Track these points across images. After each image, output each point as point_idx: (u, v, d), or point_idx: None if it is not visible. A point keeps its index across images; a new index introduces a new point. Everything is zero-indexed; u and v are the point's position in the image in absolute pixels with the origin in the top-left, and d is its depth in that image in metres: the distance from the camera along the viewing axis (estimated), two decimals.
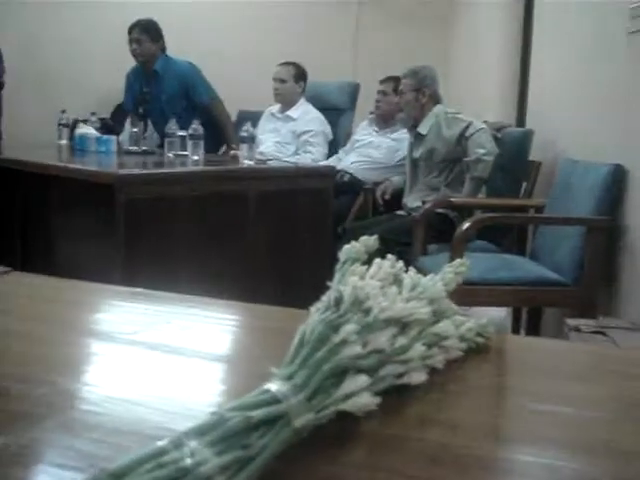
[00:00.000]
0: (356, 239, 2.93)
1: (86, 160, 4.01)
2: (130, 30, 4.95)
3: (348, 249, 0.89)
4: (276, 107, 5.08)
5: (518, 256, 3.55)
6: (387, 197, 4.29)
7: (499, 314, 3.93)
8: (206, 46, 5.55)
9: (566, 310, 3.17)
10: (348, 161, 4.66)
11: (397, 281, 0.85)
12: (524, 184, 3.89)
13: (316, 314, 0.74)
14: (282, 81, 4.95)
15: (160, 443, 0.50)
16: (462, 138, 3.81)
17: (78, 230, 3.62)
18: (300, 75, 5.00)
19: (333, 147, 4.97)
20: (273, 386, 0.60)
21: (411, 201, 4.02)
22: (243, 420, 0.54)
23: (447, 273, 0.91)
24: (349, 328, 0.68)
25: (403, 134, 4.46)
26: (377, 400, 0.67)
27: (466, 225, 2.97)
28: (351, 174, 4.50)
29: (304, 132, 4.86)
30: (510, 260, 3.35)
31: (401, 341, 0.74)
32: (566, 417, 0.74)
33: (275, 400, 0.58)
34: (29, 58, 6.40)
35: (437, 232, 3.57)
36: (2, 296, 1.19)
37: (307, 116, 4.94)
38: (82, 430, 0.65)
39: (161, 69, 4.99)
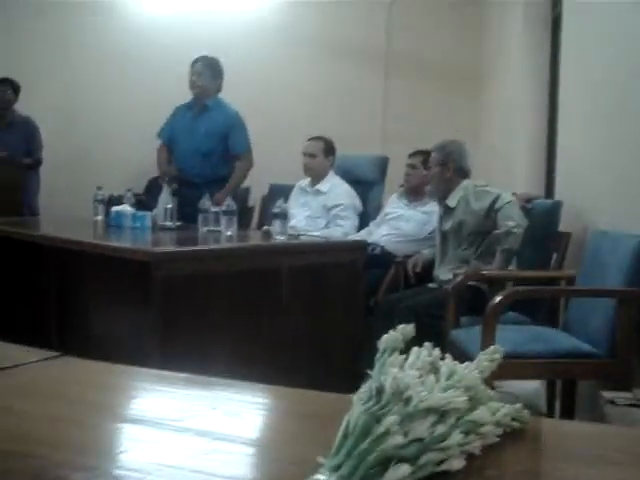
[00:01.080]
0: (388, 313, 3.02)
1: (122, 236, 4.09)
2: (194, 62, 5.17)
3: (387, 338, 0.93)
4: (306, 181, 5.16)
5: (550, 328, 3.55)
6: (418, 270, 4.31)
7: (533, 385, 3.91)
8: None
9: (600, 382, 3.16)
10: (379, 234, 4.71)
11: (434, 369, 0.89)
12: (554, 255, 3.90)
13: (359, 404, 0.78)
14: (312, 156, 5.04)
15: None
16: (491, 211, 3.85)
17: (114, 307, 3.67)
18: (329, 149, 5.08)
19: (363, 220, 5.01)
20: (322, 477, 0.64)
21: (442, 273, 4.04)
22: None
23: (482, 360, 0.95)
24: (391, 419, 0.72)
25: (433, 207, 4.51)
26: None
27: (498, 299, 2.98)
28: (382, 247, 4.53)
29: (334, 206, 4.93)
30: (543, 332, 3.35)
31: (440, 429, 0.78)
32: None
33: None
34: (65, 136, 6.58)
35: (469, 304, 3.58)
36: (53, 381, 1.24)
37: (337, 189, 5.00)
38: None
39: (212, 105, 5.18)
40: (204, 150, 5.10)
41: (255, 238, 3.89)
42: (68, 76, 6.59)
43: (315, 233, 4.57)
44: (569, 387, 3.50)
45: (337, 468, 0.66)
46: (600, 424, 2.13)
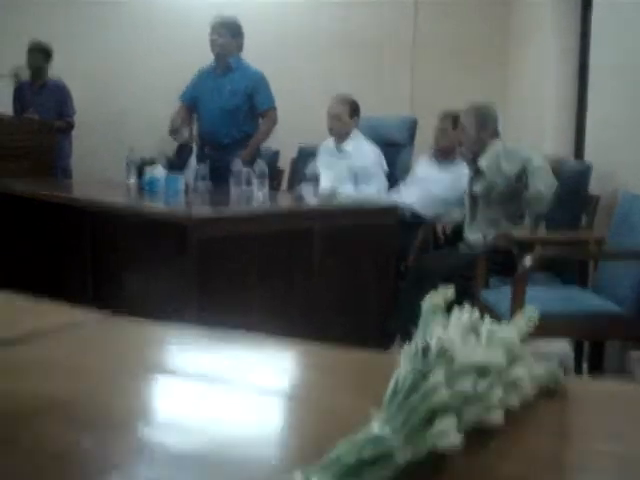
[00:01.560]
0: (418, 275, 3.10)
1: (156, 199, 4.16)
2: (213, 23, 5.24)
3: (429, 300, 0.98)
4: (330, 141, 5.17)
5: (580, 288, 3.59)
6: (448, 232, 4.35)
7: (561, 346, 3.96)
8: (269, 79, 5.69)
9: (629, 342, 3.21)
10: (409, 196, 4.73)
11: (474, 329, 0.95)
12: (583, 217, 3.93)
13: (406, 362, 0.84)
14: (336, 116, 5.05)
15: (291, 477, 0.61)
16: (522, 173, 3.87)
17: (150, 268, 3.76)
18: (354, 110, 5.09)
19: (392, 181, 5.03)
20: (377, 428, 0.70)
21: (472, 235, 4.08)
22: (358, 457, 0.64)
23: (519, 321, 1.00)
24: (437, 376, 0.77)
25: (462, 169, 4.53)
26: (462, 438, 0.77)
27: (528, 261, 3.03)
28: (412, 210, 4.58)
29: (361, 167, 4.94)
30: (572, 293, 3.40)
31: (481, 386, 0.83)
32: (628, 456, 0.82)
33: (380, 440, 0.68)
34: (97, 99, 6.64)
35: (498, 266, 3.62)
36: (105, 339, 1.30)
37: (362, 150, 5.00)
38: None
39: (235, 64, 5.27)
40: (230, 108, 5.18)
41: (287, 200, 3.93)
42: (100, 40, 6.63)
43: (345, 193, 4.62)
44: (597, 347, 3.55)
45: (390, 420, 0.71)
46: (631, 383, 2.18)
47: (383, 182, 4.97)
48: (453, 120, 4.63)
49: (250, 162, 4.45)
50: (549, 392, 0.97)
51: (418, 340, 0.89)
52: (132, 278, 3.97)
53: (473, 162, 4.20)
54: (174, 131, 5.19)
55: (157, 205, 3.98)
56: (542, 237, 3.79)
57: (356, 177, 4.93)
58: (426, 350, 0.85)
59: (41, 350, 1.16)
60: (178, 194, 4.21)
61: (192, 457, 0.80)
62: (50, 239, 4.35)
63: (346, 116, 5.04)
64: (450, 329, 0.89)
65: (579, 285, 3.78)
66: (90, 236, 4.29)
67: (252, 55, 5.62)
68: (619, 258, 3.39)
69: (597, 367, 3.45)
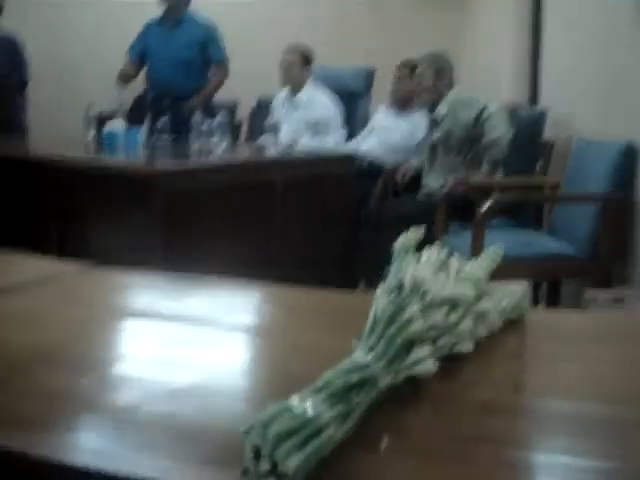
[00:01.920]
0: (378, 221, 3.19)
1: (116, 153, 4.16)
2: None
3: (401, 241, 1.05)
4: (285, 91, 5.15)
5: (536, 232, 3.69)
6: (407, 179, 4.41)
7: (519, 287, 4.07)
8: (225, 31, 5.66)
9: (583, 282, 3.32)
10: (367, 144, 4.78)
11: (444, 267, 1.02)
12: (539, 162, 4.02)
13: (383, 297, 0.90)
14: (288, 65, 5.02)
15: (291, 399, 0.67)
16: (478, 121, 3.94)
17: (115, 224, 3.76)
18: (305, 59, 5.06)
19: (351, 131, 5.06)
20: (361, 356, 0.77)
21: (431, 181, 4.15)
22: (346, 382, 0.71)
23: (485, 259, 1.08)
24: (413, 309, 0.84)
25: (421, 117, 4.58)
26: (437, 365, 0.84)
27: (486, 205, 3.11)
28: (371, 158, 4.63)
29: (318, 118, 4.93)
30: (529, 236, 3.50)
31: (453, 317, 0.91)
32: (588, 373, 0.91)
33: (364, 366, 0.75)
34: (52, 53, 6.56)
35: (456, 211, 3.70)
36: (86, 289, 1.35)
37: (317, 100, 4.98)
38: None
39: (186, 17, 5.31)
40: (185, 59, 5.21)
41: (248, 152, 3.96)
42: None
43: (304, 144, 4.65)
44: (553, 288, 3.67)
45: (371, 349, 0.78)
46: (587, 312, 2.28)
47: (340, 132, 4.98)
48: (411, 69, 4.66)
49: (205, 113, 4.48)
50: (515, 321, 1.06)
51: (392, 276, 0.96)
52: (96, 232, 3.97)
53: (431, 111, 4.26)
54: (124, 77, 5.20)
55: (119, 159, 3.98)
56: (499, 182, 3.87)
57: (314, 127, 4.94)
58: (400, 286, 0.92)
59: (25, 301, 1.22)
60: (138, 148, 4.21)
61: (171, 390, 0.87)
62: (11, 196, 4.32)
63: (298, 65, 5.02)
64: (422, 266, 0.96)
65: (535, 228, 3.88)
66: (52, 192, 4.26)
67: (207, 5, 5.60)
68: (573, 201, 3.49)
69: (554, 306, 3.57)
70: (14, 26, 6.24)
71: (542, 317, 1.19)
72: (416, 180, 4.36)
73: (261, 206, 3.54)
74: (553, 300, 3.64)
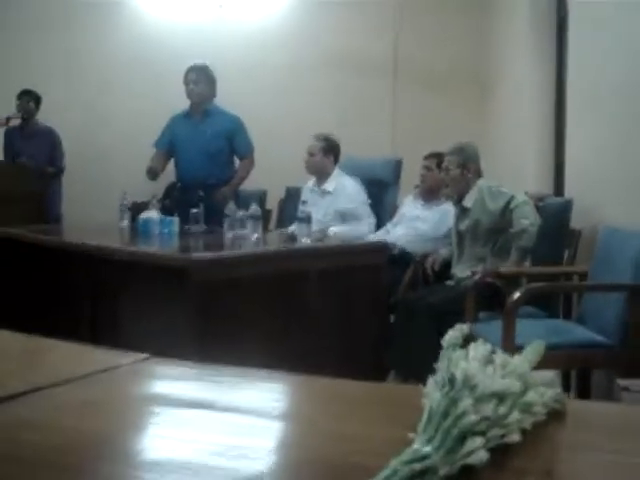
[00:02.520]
0: (408, 310, 3.25)
1: (152, 242, 4.27)
2: (188, 72, 5.43)
3: (449, 337, 1.11)
4: (312, 181, 5.27)
5: (565, 321, 3.73)
6: (436, 269, 4.47)
7: (549, 375, 4.08)
8: (254, 122, 5.83)
9: (614, 370, 3.34)
10: (396, 234, 4.86)
11: (490, 360, 1.08)
12: (566, 251, 4.08)
13: (436, 391, 0.96)
14: (311, 154, 5.16)
15: None
16: (506, 210, 4.02)
17: (149, 312, 3.84)
18: (329, 148, 5.17)
19: (379, 221, 5.15)
20: (421, 447, 0.82)
21: (459, 271, 4.21)
22: (411, 471, 0.76)
23: (528, 352, 1.14)
24: (466, 402, 0.90)
25: (448, 207, 4.67)
26: (488, 455, 0.90)
27: (517, 295, 3.16)
28: (400, 247, 4.70)
29: (347, 209, 5.04)
30: (558, 325, 3.54)
31: (502, 410, 0.97)
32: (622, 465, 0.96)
33: (426, 457, 0.81)
34: (85, 143, 6.76)
35: (485, 300, 3.75)
36: (144, 380, 1.42)
37: (345, 189, 5.08)
38: None
39: (212, 109, 5.48)
40: (212, 151, 5.36)
41: (281, 241, 4.06)
42: (86, 86, 6.78)
43: (336, 233, 4.74)
44: (584, 377, 3.68)
45: (430, 440, 0.84)
46: (620, 404, 2.30)
47: (370, 219, 5.07)
48: (438, 160, 4.78)
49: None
50: (557, 413, 1.11)
51: (443, 371, 1.02)
52: (130, 321, 4.04)
53: (458, 201, 4.34)
54: (153, 174, 5.34)
55: (153, 248, 4.09)
56: (528, 271, 3.93)
57: (343, 217, 5.03)
58: (452, 380, 0.98)
59: (87, 391, 1.28)
60: (173, 237, 4.32)
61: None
62: (47, 284, 4.43)
63: (320, 153, 5.14)
64: (470, 361, 1.02)
65: (563, 317, 3.92)
66: (87, 280, 4.36)
67: (237, 97, 5.78)
68: (602, 291, 3.53)
69: (585, 395, 3.58)
70: (51, 118, 6.47)
71: (583, 408, 1.23)
72: (445, 270, 4.42)
73: (295, 295, 3.61)
74: (583, 389, 3.65)
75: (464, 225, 4.28)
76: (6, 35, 6.86)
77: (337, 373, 3.54)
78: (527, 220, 3.92)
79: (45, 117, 6.50)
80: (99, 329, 4.27)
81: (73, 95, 6.73)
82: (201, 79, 5.38)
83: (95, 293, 4.34)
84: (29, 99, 6.36)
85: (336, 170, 5.20)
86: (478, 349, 1.08)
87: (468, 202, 4.27)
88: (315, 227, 4.88)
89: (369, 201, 5.12)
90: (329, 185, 5.15)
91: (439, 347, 3.53)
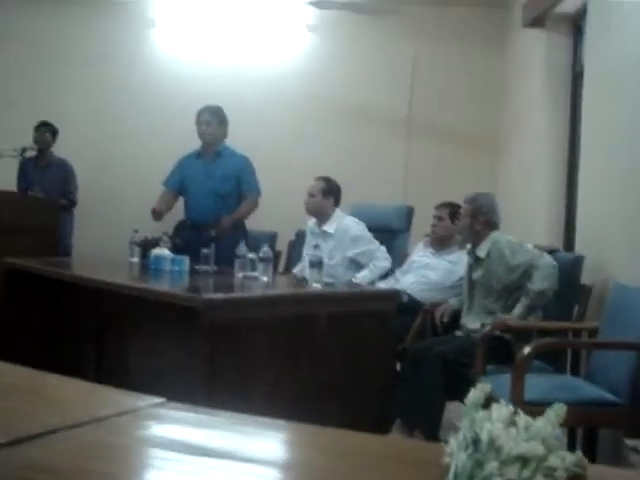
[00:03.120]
0: (416, 359, 3.24)
1: (162, 280, 4.28)
2: (200, 113, 5.47)
3: (472, 397, 1.11)
4: (312, 222, 5.32)
5: (573, 377, 3.71)
6: (445, 320, 4.44)
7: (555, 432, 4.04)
8: (267, 165, 5.86)
9: (622, 430, 3.31)
10: (406, 282, 4.87)
11: (512, 422, 1.07)
12: (576, 306, 4.07)
13: (460, 451, 0.96)
14: (311, 195, 5.21)
15: None
16: (530, 267, 3.99)
17: (155, 349, 3.84)
18: (329, 190, 5.21)
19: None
20: None
21: (469, 322, 4.19)
22: None
23: (550, 415, 1.13)
24: (492, 465, 0.90)
25: (458, 256, 4.69)
26: None
27: (527, 350, 3.15)
28: (409, 295, 4.71)
29: (359, 254, 5.06)
30: (567, 381, 3.52)
31: (525, 473, 0.96)
32: None
33: None
34: (97, 178, 6.82)
35: (494, 353, 3.74)
36: (161, 425, 1.41)
37: (348, 233, 5.10)
38: None
39: (223, 150, 5.52)
40: (222, 192, 5.40)
41: (291, 285, 4.06)
42: (101, 122, 6.86)
43: (359, 279, 4.79)
44: (590, 435, 3.65)
45: None
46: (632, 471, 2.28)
47: (382, 249, 5.10)
48: (450, 210, 4.81)
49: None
50: (577, 477, 1.10)
51: (466, 431, 1.02)
52: (136, 358, 4.05)
53: (472, 250, 4.33)
54: (157, 215, 5.35)
55: (165, 286, 4.10)
56: (537, 325, 3.91)
57: (359, 263, 5.04)
58: (476, 441, 0.98)
59: (102, 434, 1.28)
60: (184, 275, 4.33)
61: None
62: (54, 317, 4.43)
63: (320, 194, 5.19)
64: (494, 422, 1.02)
65: (571, 373, 3.90)
66: (94, 315, 4.37)
67: (250, 141, 5.83)
68: (613, 348, 3.51)
69: (591, 454, 3.54)
70: (65, 150, 6.53)
71: (603, 473, 1.22)
72: (454, 319, 4.41)
73: (303, 339, 3.61)
74: (590, 447, 3.61)
75: (477, 275, 4.27)
76: (28, 68, 6.97)
77: (342, 418, 3.54)
78: (549, 284, 3.91)
79: (60, 150, 6.55)
80: (105, 364, 4.27)
81: (88, 130, 6.81)
82: (213, 120, 5.42)
83: (102, 328, 4.35)
84: (46, 131, 6.43)
85: (337, 212, 5.25)
86: (501, 410, 1.08)
87: (481, 252, 4.25)
88: (328, 271, 4.91)
89: (371, 235, 5.16)
90: (329, 227, 5.18)
91: (446, 397, 3.56)
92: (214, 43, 7.05)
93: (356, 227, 5.15)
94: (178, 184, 5.59)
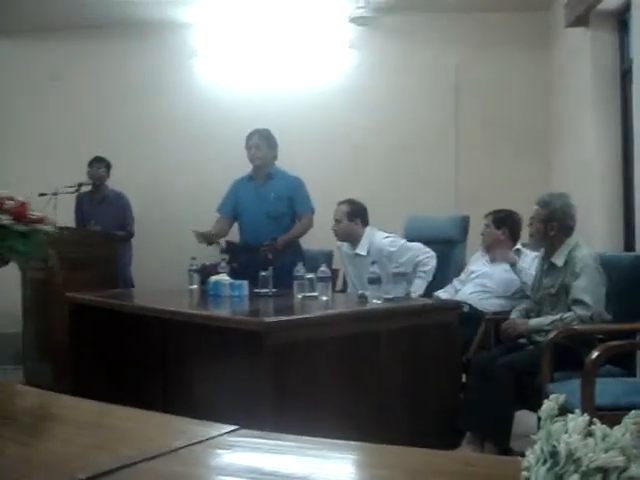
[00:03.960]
0: (483, 369, 3.20)
1: (223, 305, 4.31)
2: (249, 137, 5.50)
3: (547, 408, 1.09)
4: (345, 245, 5.41)
5: None
6: (513, 337, 4.18)
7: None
8: (318, 185, 5.88)
9: None
10: (465, 292, 4.84)
11: (589, 432, 1.06)
12: None
13: (539, 465, 0.95)
14: (338, 221, 5.31)
15: None
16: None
17: (220, 374, 3.86)
18: (354, 212, 5.30)
19: (447, 278, 5.15)
20: None
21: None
22: None
23: (628, 423, 1.11)
24: (573, 478, 0.89)
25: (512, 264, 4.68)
26: None
27: (596, 354, 3.09)
28: (470, 305, 4.67)
29: (399, 267, 4.94)
30: (637, 385, 3.45)
31: None
32: None
33: None
34: (152, 208, 6.91)
35: (559, 359, 3.67)
36: (237, 453, 1.42)
37: (382, 253, 5.11)
38: None
39: (274, 173, 5.51)
40: (275, 214, 5.41)
41: (351, 303, 4.06)
42: (153, 152, 6.97)
43: (414, 292, 4.80)
44: None
45: None
46: None
47: (420, 247, 5.11)
48: (493, 217, 4.83)
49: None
50: None
51: (543, 444, 1.00)
52: (201, 385, 4.07)
53: (546, 257, 4.18)
54: (209, 241, 5.39)
55: (227, 311, 4.13)
56: (605, 329, 3.82)
57: (406, 275, 4.99)
58: (554, 454, 0.96)
59: (178, 465, 1.29)
60: (243, 299, 4.36)
61: None
62: (119, 346, 4.49)
63: (345, 218, 5.29)
64: (571, 433, 1.00)
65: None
66: (158, 345, 4.41)
67: (298, 160, 5.86)
68: None
69: None
70: (121, 183, 6.65)
71: None
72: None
73: (366, 356, 3.60)
74: None
75: (549, 282, 4.13)
76: (77, 105, 7.12)
77: (411, 433, 3.51)
78: (588, 313, 3.85)
79: (115, 183, 6.67)
80: (170, 393, 4.30)
81: (141, 162, 6.92)
82: (262, 144, 5.45)
83: (166, 357, 4.38)
84: (100, 166, 6.55)
85: (367, 231, 5.31)
86: (577, 420, 1.06)
87: (558, 260, 4.07)
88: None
89: (403, 241, 5.19)
90: (361, 249, 5.27)
91: (516, 407, 3.49)
92: (256, 67, 7.12)
93: (388, 243, 5.20)
94: (232, 210, 5.63)
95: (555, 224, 4.10)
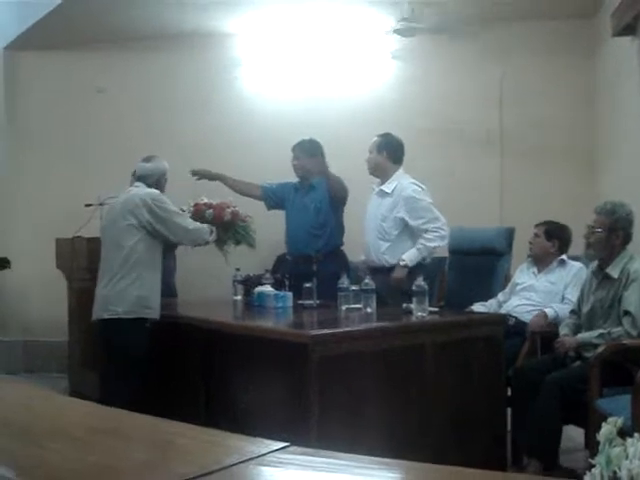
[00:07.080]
0: (530, 383, 3.16)
1: (267, 317, 4.32)
2: (292, 148, 5.55)
3: (604, 432, 1.08)
4: (377, 182, 5.18)
5: None
6: (572, 354, 4.09)
7: None
8: (357, 193, 5.86)
9: None
10: (511, 305, 4.79)
11: None
12: None
13: None
14: (370, 152, 5.13)
15: None
16: None
17: (265, 385, 3.87)
18: (384, 144, 5.09)
19: (493, 290, 5.11)
20: None
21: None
22: None
23: None
24: None
25: (560, 276, 4.63)
26: None
27: None
28: (516, 318, 4.63)
29: (409, 217, 4.87)
30: None
31: None
32: None
33: None
34: None
35: (608, 375, 3.62)
36: (283, 471, 1.42)
37: (402, 194, 4.91)
38: None
39: (317, 183, 5.49)
40: (316, 226, 5.39)
41: (396, 315, 4.04)
42: (197, 162, 6.99)
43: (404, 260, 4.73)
44: None
45: None
46: None
47: (441, 219, 4.85)
48: (546, 228, 4.79)
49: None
50: None
51: (603, 468, 0.99)
52: (245, 397, 4.07)
53: (600, 268, 4.10)
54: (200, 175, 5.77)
55: (271, 323, 4.15)
56: None
57: (412, 232, 4.87)
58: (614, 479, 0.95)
59: None
60: (288, 311, 4.37)
61: None
62: (165, 355, 4.51)
63: (375, 151, 5.09)
64: (632, 459, 0.99)
65: None
66: (201, 356, 4.42)
67: (343, 170, 5.83)
68: None
69: None
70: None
71: None
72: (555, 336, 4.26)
73: (412, 369, 3.59)
74: None
75: (602, 295, 4.05)
76: (124, 119, 7.20)
77: (456, 447, 3.48)
78: (635, 330, 3.78)
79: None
80: (213, 405, 4.31)
81: (186, 172, 6.93)
82: (302, 154, 5.46)
83: (208, 368, 4.39)
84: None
85: (399, 171, 5.08)
86: (637, 445, 1.05)
87: (614, 272, 3.99)
88: (372, 234, 4.92)
89: (430, 203, 4.90)
90: (388, 186, 5.02)
91: (563, 423, 3.44)
92: (299, 78, 7.13)
93: (412, 189, 4.93)
94: (273, 192, 5.71)
95: (621, 232, 4.02)
